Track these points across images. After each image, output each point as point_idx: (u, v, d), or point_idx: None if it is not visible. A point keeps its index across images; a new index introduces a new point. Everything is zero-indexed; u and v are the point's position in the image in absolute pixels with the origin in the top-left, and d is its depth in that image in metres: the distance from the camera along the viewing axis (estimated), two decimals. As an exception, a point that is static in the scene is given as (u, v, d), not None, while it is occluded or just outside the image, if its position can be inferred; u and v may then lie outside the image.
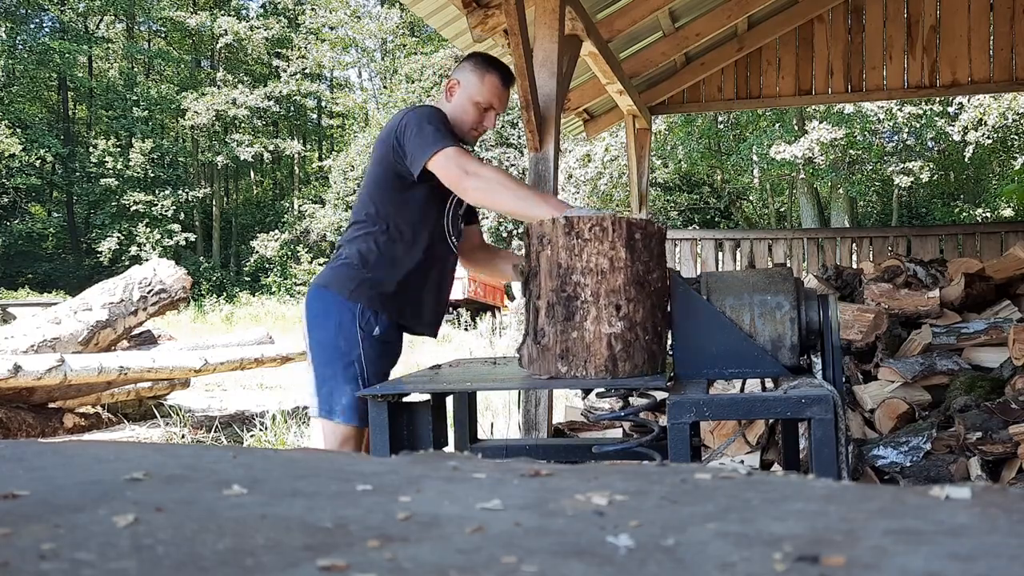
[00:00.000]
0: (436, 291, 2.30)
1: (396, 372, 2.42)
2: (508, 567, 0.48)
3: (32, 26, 26.97)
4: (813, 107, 15.94)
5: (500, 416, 5.17)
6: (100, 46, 27.77)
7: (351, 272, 2.20)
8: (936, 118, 16.34)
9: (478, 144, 25.20)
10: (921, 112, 16.13)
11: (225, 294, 24.54)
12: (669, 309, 1.85)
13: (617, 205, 18.69)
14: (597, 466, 0.79)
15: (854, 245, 7.11)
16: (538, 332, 1.75)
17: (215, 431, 5.44)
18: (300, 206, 27.25)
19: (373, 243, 2.20)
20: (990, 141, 16.53)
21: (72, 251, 27.26)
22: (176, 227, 25.96)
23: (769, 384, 2.04)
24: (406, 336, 2.40)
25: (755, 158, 18.34)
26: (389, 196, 2.20)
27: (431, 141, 2.08)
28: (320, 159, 29.69)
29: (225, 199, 30.23)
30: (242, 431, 5.55)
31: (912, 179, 17.93)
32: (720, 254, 7.25)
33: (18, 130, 24.32)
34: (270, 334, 7.41)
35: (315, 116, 31.20)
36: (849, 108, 15.52)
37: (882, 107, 15.55)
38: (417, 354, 8.34)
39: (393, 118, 2.23)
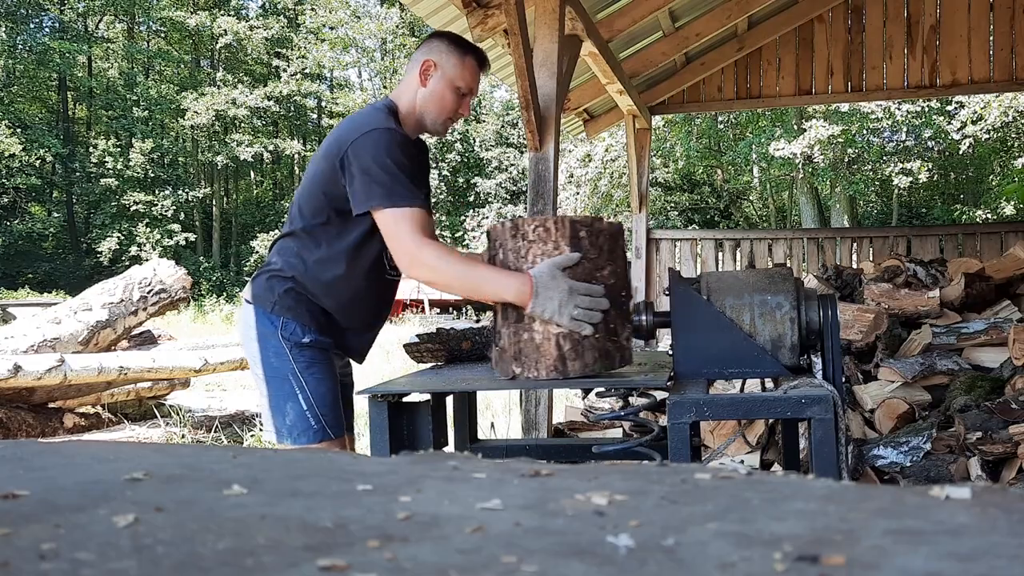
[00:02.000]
0: (367, 318, 2.11)
1: (397, 372, 2.40)
2: (508, 567, 0.48)
3: (32, 26, 26.96)
4: (813, 107, 15.94)
5: (500, 416, 5.17)
6: (100, 46, 27.77)
7: (272, 283, 2.04)
8: (935, 115, 16.35)
9: (478, 144, 25.18)
10: (919, 109, 16.14)
11: (225, 294, 24.52)
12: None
13: (617, 205, 18.70)
14: (597, 466, 0.79)
15: (854, 245, 7.11)
16: (496, 334, 1.77)
17: (215, 431, 5.44)
18: (300, 206, 27.21)
19: (301, 260, 2.02)
20: (987, 137, 16.53)
21: (72, 251, 27.25)
22: (176, 227, 25.96)
23: (769, 384, 2.04)
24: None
25: (754, 157, 18.35)
26: (325, 215, 1.99)
27: (386, 192, 1.85)
28: (320, 159, 29.65)
29: (225, 199, 30.22)
30: (242, 431, 5.55)
31: (912, 179, 17.94)
32: (720, 254, 7.25)
33: (18, 130, 24.30)
34: (270, 334, 7.39)
35: (315, 116, 31.19)
36: (844, 107, 15.53)
37: (880, 106, 15.56)
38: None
39: (342, 131, 1.98)
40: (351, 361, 2.25)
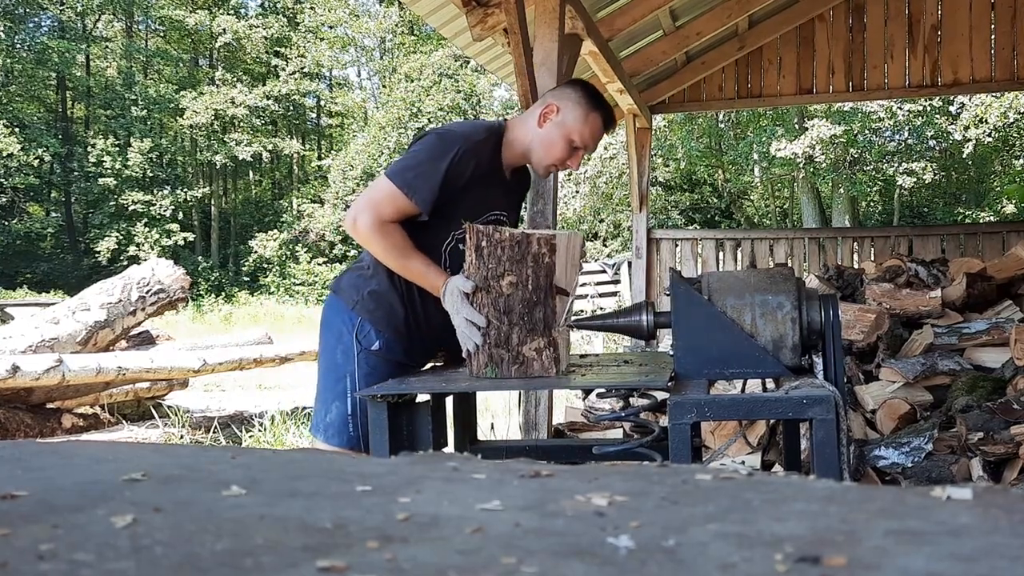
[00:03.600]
0: (437, 319, 2.04)
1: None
2: (508, 568, 0.48)
3: (30, 25, 26.93)
4: (814, 106, 15.95)
5: (500, 416, 5.17)
6: (98, 45, 27.75)
7: (359, 281, 2.08)
8: (936, 116, 16.36)
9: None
10: (921, 109, 16.14)
11: (224, 294, 24.51)
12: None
13: (617, 204, 18.70)
14: (597, 467, 0.79)
15: (855, 245, 7.11)
16: None
17: (214, 431, 5.44)
18: (299, 206, 27.24)
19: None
20: (990, 139, 16.53)
21: (70, 251, 27.23)
22: (175, 227, 25.92)
23: (770, 384, 2.04)
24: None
25: (756, 157, 18.35)
26: None
27: (401, 171, 1.94)
28: (319, 158, 29.68)
29: (224, 199, 30.20)
30: (241, 431, 5.55)
31: (914, 179, 17.94)
32: (721, 254, 7.25)
33: (16, 129, 24.27)
34: (269, 334, 7.40)
35: (314, 115, 31.17)
36: (848, 106, 15.54)
37: (882, 105, 15.56)
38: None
39: None
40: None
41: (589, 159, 18.04)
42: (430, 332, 2.10)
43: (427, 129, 2.03)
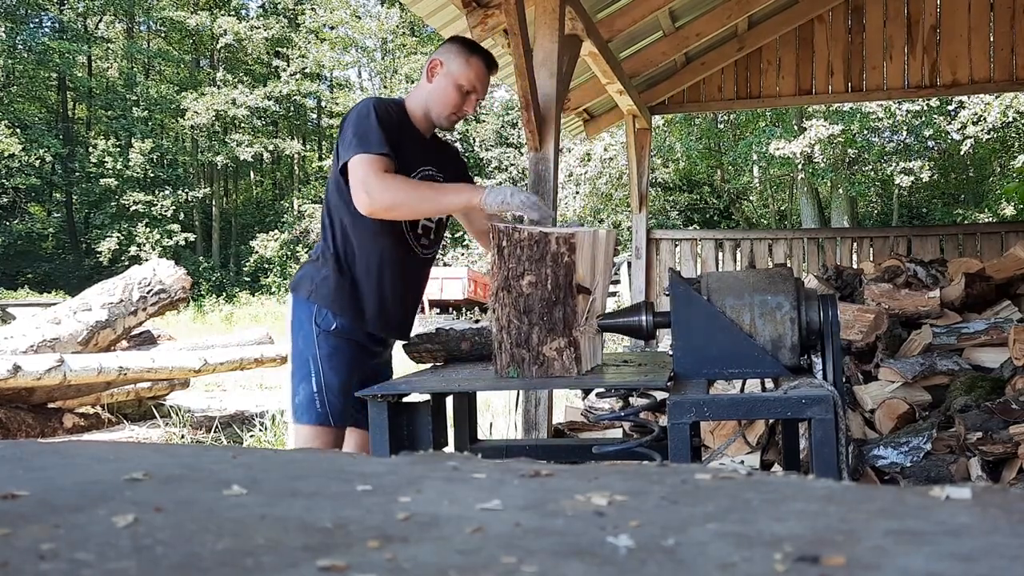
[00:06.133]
0: (399, 294, 2.24)
1: (397, 373, 2.40)
2: (508, 567, 0.48)
3: (32, 26, 26.93)
4: (813, 107, 15.95)
5: (500, 416, 5.17)
6: (100, 46, 27.75)
7: (312, 272, 2.21)
8: (935, 115, 16.35)
9: (478, 144, 25.19)
10: (919, 109, 16.14)
11: (225, 294, 24.51)
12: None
13: (617, 204, 18.70)
14: (597, 466, 0.79)
15: (854, 245, 7.10)
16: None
17: (215, 431, 5.44)
18: (300, 206, 27.24)
19: (331, 242, 2.19)
20: (989, 136, 16.52)
21: (72, 251, 27.23)
22: (176, 227, 25.93)
23: (769, 384, 2.04)
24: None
25: (754, 157, 18.36)
26: (343, 196, 2.15)
27: (352, 145, 2.05)
28: (320, 159, 29.67)
29: (225, 199, 30.20)
30: (242, 431, 5.55)
31: (913, 179, 17.94)
32: (720, 254, 7.24)
33: (18, 130, 24.27)
34: (270, 334, 7.41)
35: (315, 116, 31.18)
36: (846, 106, 15.54)
37: (881, 105, 15.56)
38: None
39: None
40: (390, 359, 2.39)
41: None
42: (392, 305, 2.23)
43: (343, 121, 2.15)
